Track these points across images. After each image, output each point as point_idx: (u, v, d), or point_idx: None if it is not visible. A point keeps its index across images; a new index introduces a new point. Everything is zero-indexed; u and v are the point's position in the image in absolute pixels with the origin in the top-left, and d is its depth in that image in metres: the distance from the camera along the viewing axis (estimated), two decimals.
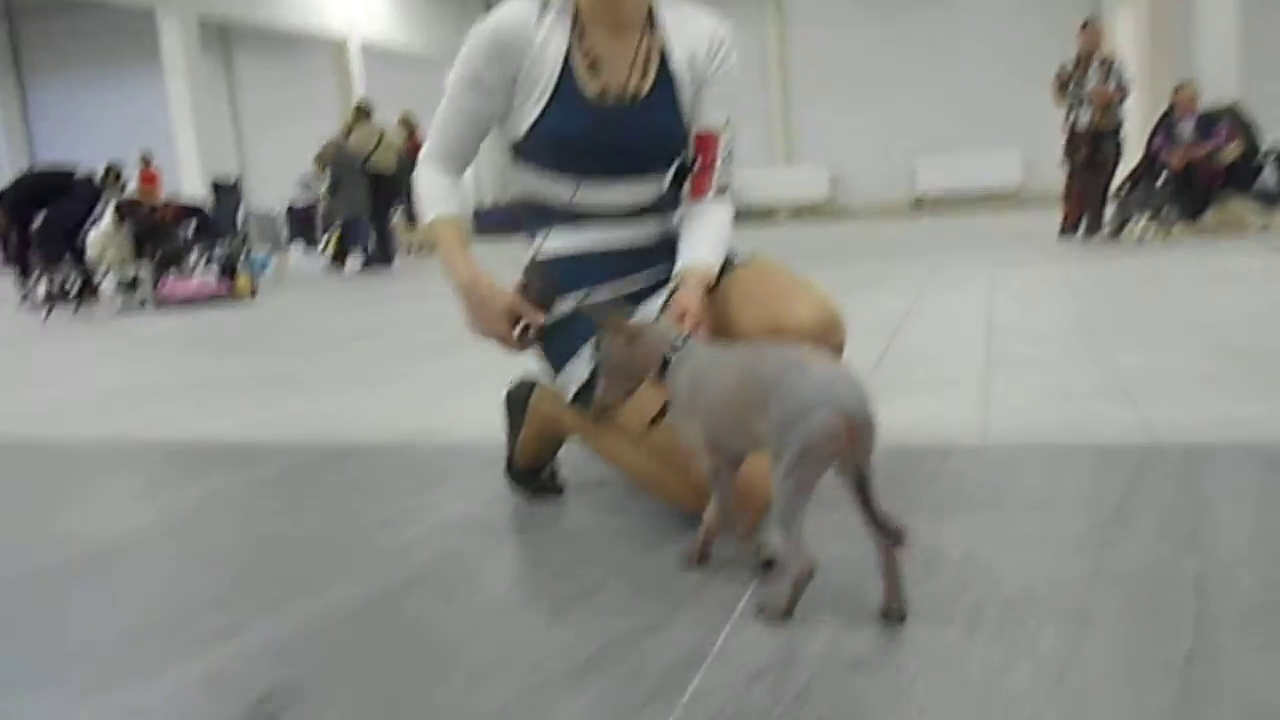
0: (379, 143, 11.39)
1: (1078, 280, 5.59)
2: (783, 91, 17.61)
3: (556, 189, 1.96)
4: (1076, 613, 1.41)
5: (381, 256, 11.53)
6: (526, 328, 1.94)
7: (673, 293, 1.89)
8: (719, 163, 1.99)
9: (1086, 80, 8.50)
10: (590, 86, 1.90)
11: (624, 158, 1.93)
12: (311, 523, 2.15)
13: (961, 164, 16.41)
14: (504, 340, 1.94)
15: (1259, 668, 1.21)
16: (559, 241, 2.00)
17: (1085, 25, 8.71)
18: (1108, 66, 8.53)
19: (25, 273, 9.43)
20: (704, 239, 1.95)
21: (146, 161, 13.99)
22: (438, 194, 1.99)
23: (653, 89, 1.93)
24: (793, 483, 1.39)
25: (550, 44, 1.90)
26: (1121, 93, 8.47)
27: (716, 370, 1.57)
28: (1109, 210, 8.54)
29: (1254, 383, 2.81)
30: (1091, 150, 8.56)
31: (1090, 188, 8.61)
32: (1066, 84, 8.59)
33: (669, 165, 1.98)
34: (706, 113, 1.97)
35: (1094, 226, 8.47)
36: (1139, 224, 8.04)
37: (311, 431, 3.09)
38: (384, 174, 11.41)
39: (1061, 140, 8.77)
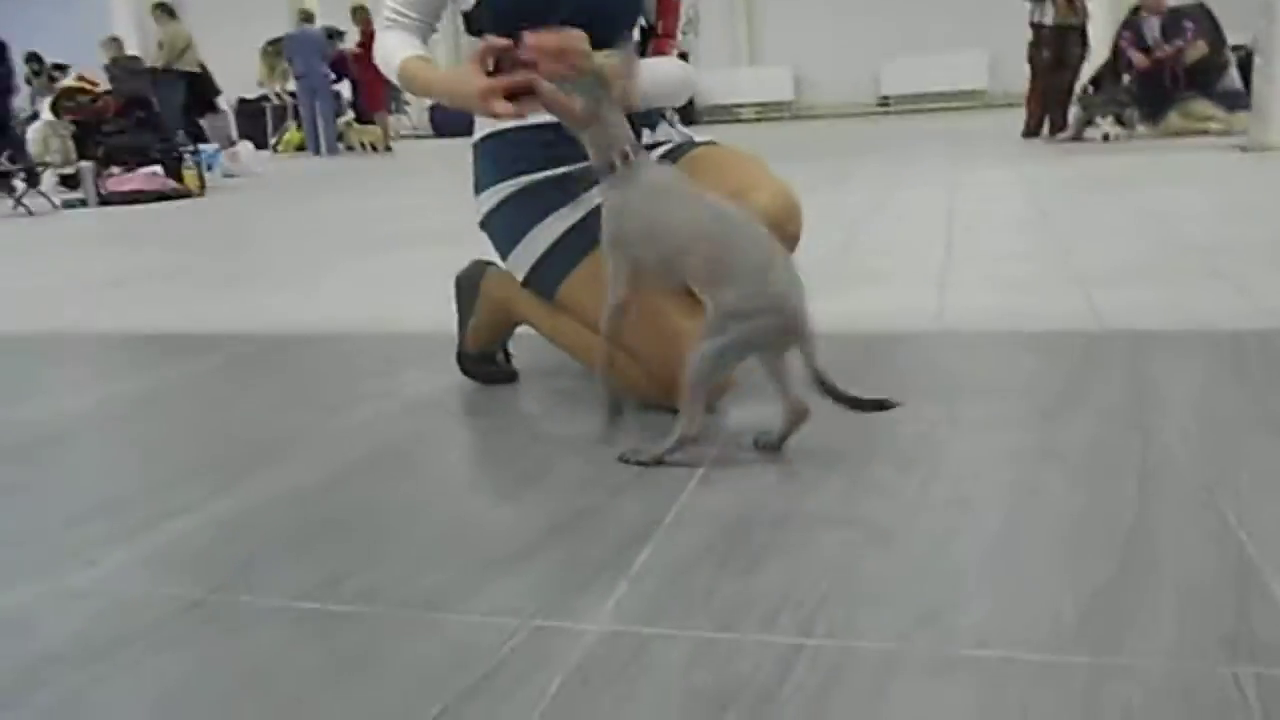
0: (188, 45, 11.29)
1: (1038, 178, 5.59)
2: None
3: None
4: (1022, 489, 1.43)
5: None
6: (498, 64, 1.69)
7: None
8: (679, 28, 1.97)
9: None
10: None
11: (585, 17, 1.86)
12: (260, 409, 2.13)
13: (927, 65, 16.22)
14: (489, 92, 1.67)
15: (1196, 544, 1.23)
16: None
17: None
18: None
19: None
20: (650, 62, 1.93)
21: (57, 68, 13.25)
22: (394, 44, 1.91)
23: None
24: (717, 359, 1.54)
25: None
26: None
27: (668, 205, 1.58)
28: (1073, 110, 8.50)
29: (1204, 274, 2.84)
30: (1057, 48, 8.51)
31: (1054, 87, 8.57)
32: None
33: (627, 29, 1.93)
34: None
35: (1057, 126, 8.44)
36: (1103, 124, 8.01)
37: (261, 323, 3.05)
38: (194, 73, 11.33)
39: (1026, 38, 8.70)
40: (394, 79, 1.91)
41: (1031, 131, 8.75)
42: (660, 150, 1.96)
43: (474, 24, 1.93)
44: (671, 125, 2.07)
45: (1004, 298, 2.72)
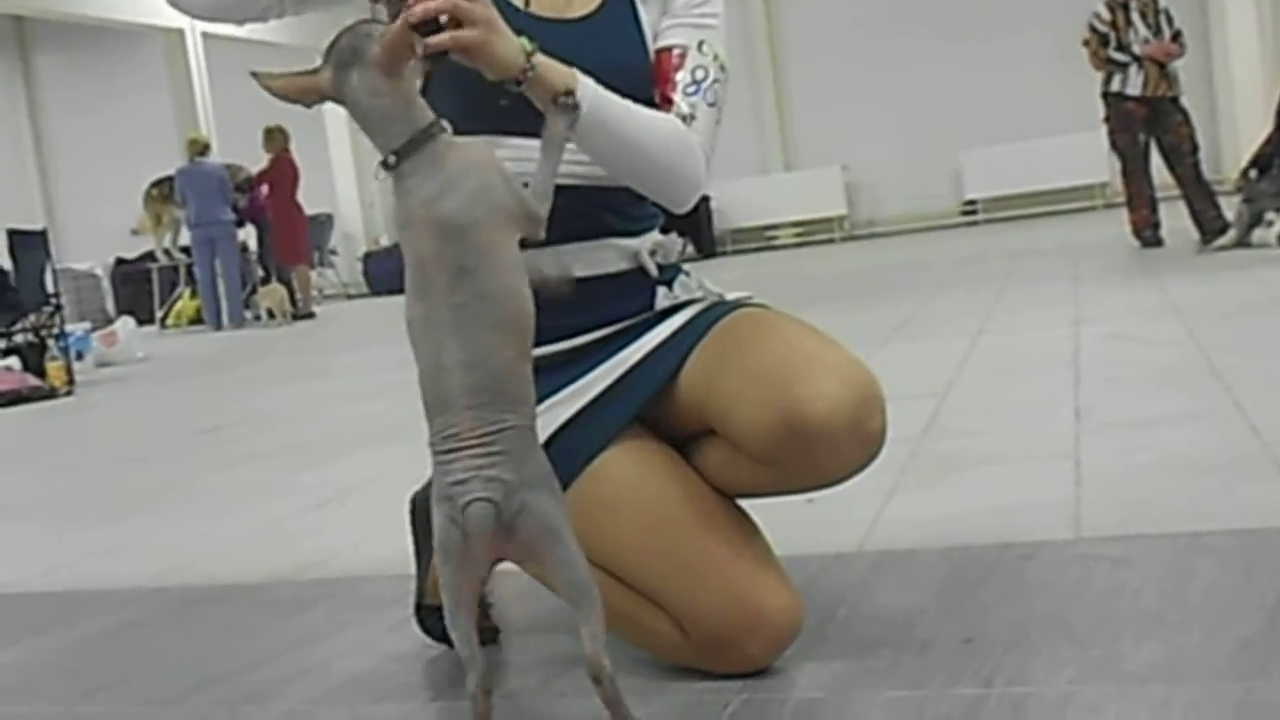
0: None
1: (1194, 306, 5.57)
2: (774, 80, 17.73)
3: None
4: None
5: None
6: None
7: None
8: (680, 89, 1.93)
9: (1132, 32, 8.68)
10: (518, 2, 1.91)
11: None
12: (149, 700, 2.08)
13: (1021, 156, 16.49)
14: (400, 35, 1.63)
15: None
16: None
17: None
18: (1157, 13, 8.75)
19: None
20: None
21: None
22: None
23: (598, 9, 1.95)
24: None
25: None
26: (1181, 48, 8.70)
27: None
28: (1228, 206, 8.55)
29: None
30: (1150, 127, 8.71)
31: (1184, 179, 8.66)
32: (1106, 40, 8.73)
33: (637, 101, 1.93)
34: (672, 31, 1.97)
35: (1214, 229, 8.45)
36: (1276, 223, 7.98)
37: (151, 572, 3.02)
38: None
39: (1102, 117, 8.95)
40: None
41: (1151, 240, 8.85)
42: (681, 317, 1.95)
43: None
44: (690, 277, 2.07)
45: (1166, 486, 2.68)
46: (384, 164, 1.61)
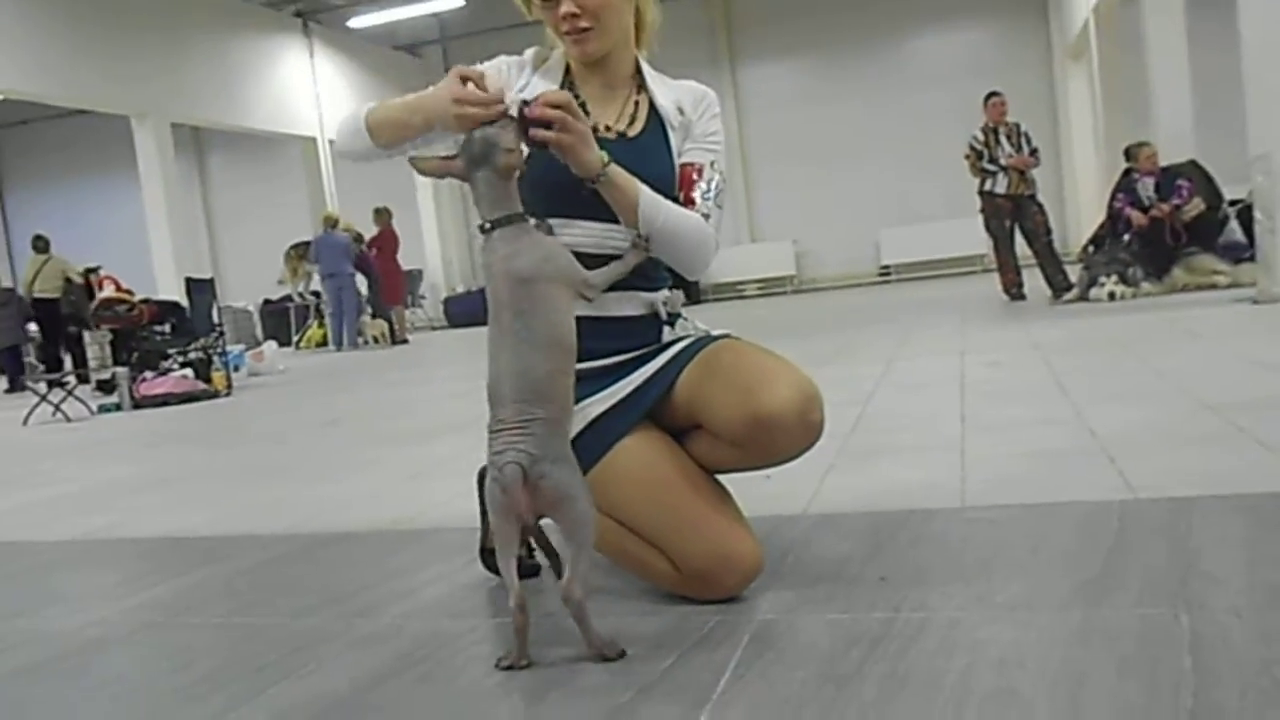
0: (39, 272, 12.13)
1: (1048, 341, 5.57)
2: (744, 173, 17.83)
3: None
4: (1070, 676, 1.35)
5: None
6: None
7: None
8: (700, 195, 1.97)
9: (1000, 149, 8.73)
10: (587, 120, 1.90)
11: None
12: (286, 613, 2.07)
13: (925, 233, 16.53)
14: (461, 99, 1.74)
15: None
16: None
17: (993, 96, 8.96)
18: (1019, 135, 8.80)
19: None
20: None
21: (92, 272, 13.62)
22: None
23: (645, 129, 1.98)
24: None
25: (543, 84, 1.95)
26: (1036, 160, 8.77)
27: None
28: (1073, 272, 8.57)
29: (1229, 436, 2.78)
30: (1016, 217, 8.75)
31: (1039, 252, 8.70)
32: (981, 155, 8.78)
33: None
34: (692, 152, 2.01)
35: (1061, 287, 8.47)
36: (1107, 284, 8.00)
37: (286, 522, 3.01)
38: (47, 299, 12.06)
39: (978, 209, 8.97)
40: (362, 131, 1.88)
41: (1016, 295, 8.89)
42: (679, 346, 1.96)
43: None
44: (688, 320, 2.07)
45: (1028, 468, 2.67)
46: (481, 228, 1.70)
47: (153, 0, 13.91)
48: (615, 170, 1.80)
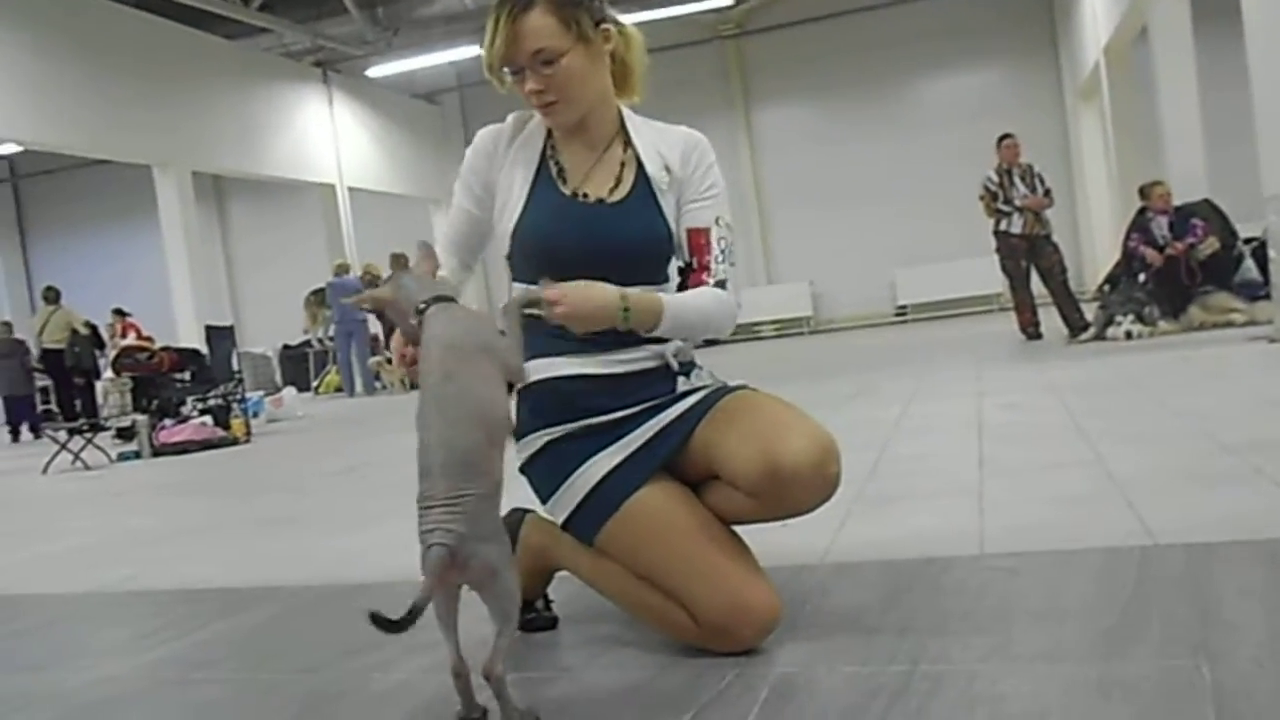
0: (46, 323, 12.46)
1: (1065, 382, 5.54)
2: (759, 215, 17.90)
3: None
4: None
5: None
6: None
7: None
8: (713, 260, 1.98)
9: (1014, 189, 8.75)
10: (566, 188, 1.96)
11: (609, 258, 1.91)
12: (301, 668, 2.07)
13: (941, 273, 16.52)
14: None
15: None
16: (542, 367, 1.95)
17: (1006, 138, 8.99)
18: (1033, 176, 8.82)
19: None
20: (679, 295, 1.96)
21: (121, 314, 13.88)
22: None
23: (630, 193, 1.97)
24: None
25: (523, 156, 1.99)
26: (1050, 200, 8.79)
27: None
28: (1089, 311, 8.54)
29: (1249, 478, 2.76)
30: (1032, 257, 8.75)
31: (1055, 292, 8.68)
32: (996, 196, 8.80)
33: (659, 269, 1.98)
34: (694, 212, 2.00)
35: (1078, 326, 8.45)
36: (1123, 324, 7.97)
37: (302, 574, 3.01)
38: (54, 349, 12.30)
39: (994, 249, 8.96)
40: None
41: (1033, 335, 8.88)
42: (695, 397, 1.96)
43: (512, 269, 2.03)
44: (703, 370, 2.07)
45: (1045, 513, 2.65)
46: (417, 309, 1.75)
47: (174, 51, 14.11)
48: (635, 309, 1.83)
